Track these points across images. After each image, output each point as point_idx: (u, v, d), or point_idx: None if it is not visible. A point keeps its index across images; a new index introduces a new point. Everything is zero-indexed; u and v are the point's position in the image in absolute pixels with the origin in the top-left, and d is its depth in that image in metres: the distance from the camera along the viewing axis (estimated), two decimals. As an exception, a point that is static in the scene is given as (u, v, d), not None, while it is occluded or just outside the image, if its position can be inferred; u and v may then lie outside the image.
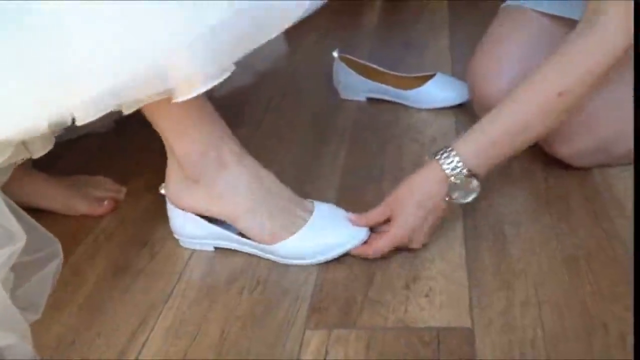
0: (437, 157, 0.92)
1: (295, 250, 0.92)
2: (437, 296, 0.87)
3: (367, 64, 1.40)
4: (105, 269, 0.97)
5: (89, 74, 0.75)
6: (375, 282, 0.90)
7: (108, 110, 0.78)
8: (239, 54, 0.82)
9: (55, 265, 0.85)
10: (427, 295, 0.87)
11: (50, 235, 0.86)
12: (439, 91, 1.33)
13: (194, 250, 0.98)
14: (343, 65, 1.39)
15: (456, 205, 1.03)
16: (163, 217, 1.06)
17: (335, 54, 1.39)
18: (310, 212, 0.94)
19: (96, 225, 1.06)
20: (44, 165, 1.01)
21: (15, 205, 0.82)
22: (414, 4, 1.95)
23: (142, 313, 0.88)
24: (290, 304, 0.87)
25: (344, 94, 1.41)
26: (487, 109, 1.19)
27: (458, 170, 0.91)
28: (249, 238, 0.94)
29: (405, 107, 1.36)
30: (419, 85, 1.34)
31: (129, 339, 0.84)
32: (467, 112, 1.29)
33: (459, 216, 1.01)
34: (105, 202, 1.09)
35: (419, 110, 1.34)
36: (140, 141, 1.28)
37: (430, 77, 1.35)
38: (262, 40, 0.83)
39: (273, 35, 0.83)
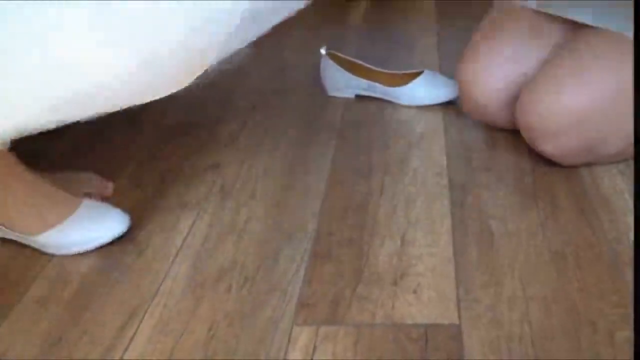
0: None
1: (54, 241, 0.97)
2: (425, 292, 0.87)
3: (355, 60, 1.40)
4: (92, 266, 0.96)
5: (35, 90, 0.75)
6: (363, 278, 0.90)
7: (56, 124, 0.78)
8: (195, 74, 0.81)
9: None
10: (415, 292, 0.87)
11: None
12: (427, 89, 1.33)
13: (181, 247, 0.98)
14: (330, 62, 1.38)
15: (444, 201, 1.03)
16: (149, 213, 1.06)
17: (322, 51, 1.38)
18: (76, 207, 0.99)
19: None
20: (26, 162, 1.00)
21: None
22: (401, 2, 1.95)
23: (129, 310, 0.87)
24: (278, 301, 0.87)
25: (331, 91, 1.41)
26: (475, 108, 1.19)
27: None
28: None
29: (393, 105, 1.35)
30: (407, 83, 1.34)
31: (115, 337, 0.83)
32: (455, 110, 1.29)
33: (447, 212, 1.01)
34: (93, 198, 1.08)
35: (407, 107, 1.34)
36: (124, 137, 1.27)
37: (418, 74, 1.35)
38: (215, 58, 0.82)
39: (230, 52, 0.82)
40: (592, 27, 1.09)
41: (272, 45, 1.69)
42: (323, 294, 0.87)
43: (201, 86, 1.18)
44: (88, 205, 1.00)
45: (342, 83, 1.39)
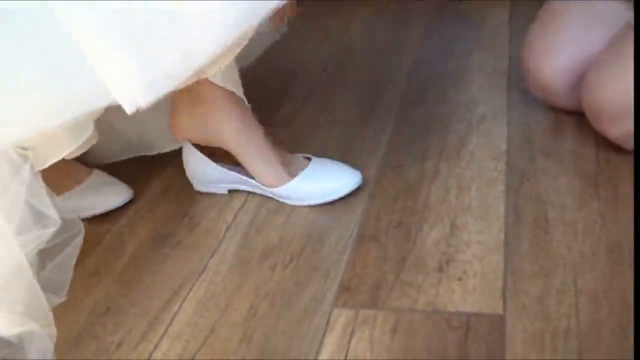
0: None
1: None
2: (471, 280, 0.85)
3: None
4: (145, 239, 0.99)
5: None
6: (408, 263, 0.88)
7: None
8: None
9: (75, 244, 0.85)
10: (460, 279, 0.85)
11: (74, 217, 0.86)
12: (314, 183, 1.01)
13: (231, 224, 0.99)
14: (193, 150, 1.04)
15: (499, 187, 1.00)
16: (204, 189, 1.07)
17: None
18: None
19: (140, 194, 1.08)
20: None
21: (49, 190, 0.82)
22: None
23: (177, 285, 0.89)
24: (320, 282, 0.87)
25: (199, 186, 1.08)
26: (543, 88, 1.15)
27: None
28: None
29: (456, 84, 1.31)
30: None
31: (161, 310, 0.85)
32: (520, 91, 1.24)
33: (502, 198, 0.98)
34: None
35: (471, 87, 1.30)
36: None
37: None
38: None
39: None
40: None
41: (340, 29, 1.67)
42: (366, 277, 0.87)
43: (262, 67, 1.19)
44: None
45: (213, 176, 1.06)
